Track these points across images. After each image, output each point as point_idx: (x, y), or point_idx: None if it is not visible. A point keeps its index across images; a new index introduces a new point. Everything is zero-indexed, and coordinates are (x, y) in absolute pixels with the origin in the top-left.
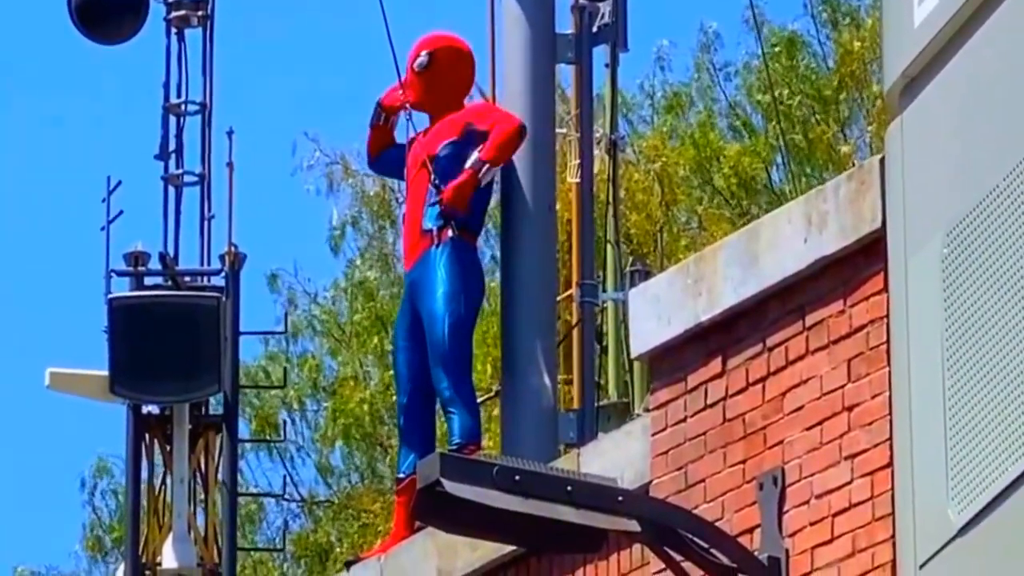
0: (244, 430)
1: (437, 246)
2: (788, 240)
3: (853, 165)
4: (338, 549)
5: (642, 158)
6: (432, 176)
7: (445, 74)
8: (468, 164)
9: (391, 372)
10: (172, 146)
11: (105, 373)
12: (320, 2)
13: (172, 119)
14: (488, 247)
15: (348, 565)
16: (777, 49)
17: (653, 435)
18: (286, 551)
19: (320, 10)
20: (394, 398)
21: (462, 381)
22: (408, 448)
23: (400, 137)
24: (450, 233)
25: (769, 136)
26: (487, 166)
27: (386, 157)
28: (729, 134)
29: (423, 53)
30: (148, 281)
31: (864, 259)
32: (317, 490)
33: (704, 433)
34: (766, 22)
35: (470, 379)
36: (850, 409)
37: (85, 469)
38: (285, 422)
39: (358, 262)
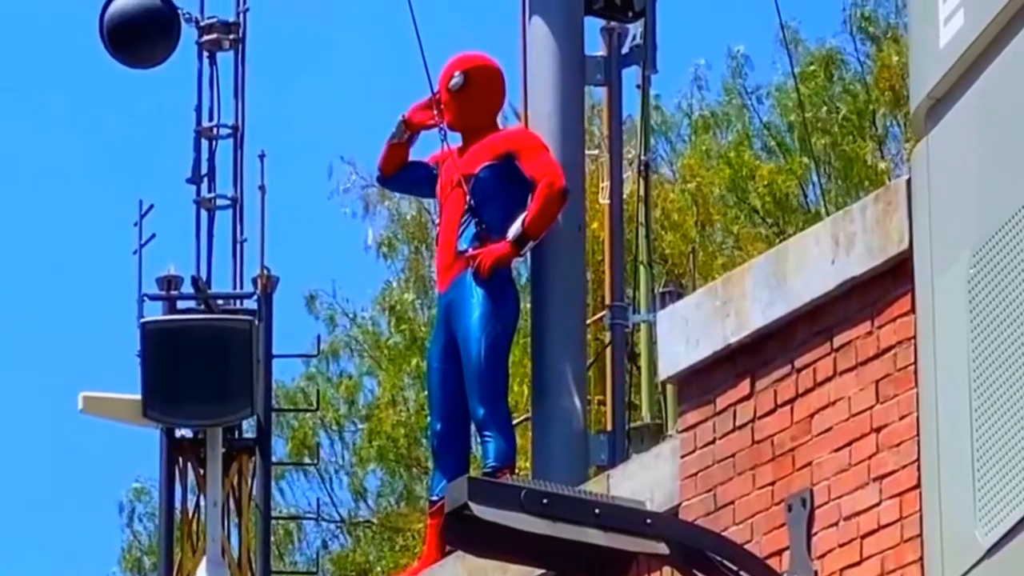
0: (281, 451)
1: (473, 268)
2: (815, 261)
3: (890, 180)
4: (377, 569)
5: (678, 177)
6: (468, 199)
7: (479, 94)
8: (511, 235)
9: (426, 394)
10: (204, 170)
11: (138, 397)
12: (352, 25)
13: (204, 143)
14: (521, 267)
15: None
16: (813, 68)
17: (682, 457)
18: (321, 572)
19: (352, 33)
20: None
21: (497, 404)
22: (441, 471)
23: (418, 153)
24: None
25: (803, 155)
26: (531, 242)
27: (403, 176)
28: (764, 155)
29: (457, 74)
30: (181, 305)
31: (891, 280)
32: (355, 511)
33: (733, 455)
34: (800, 41)
35: (505, 402)
36: (878, 430)
37: (123, 492)
38: (319, 444)
39: (394, 284)
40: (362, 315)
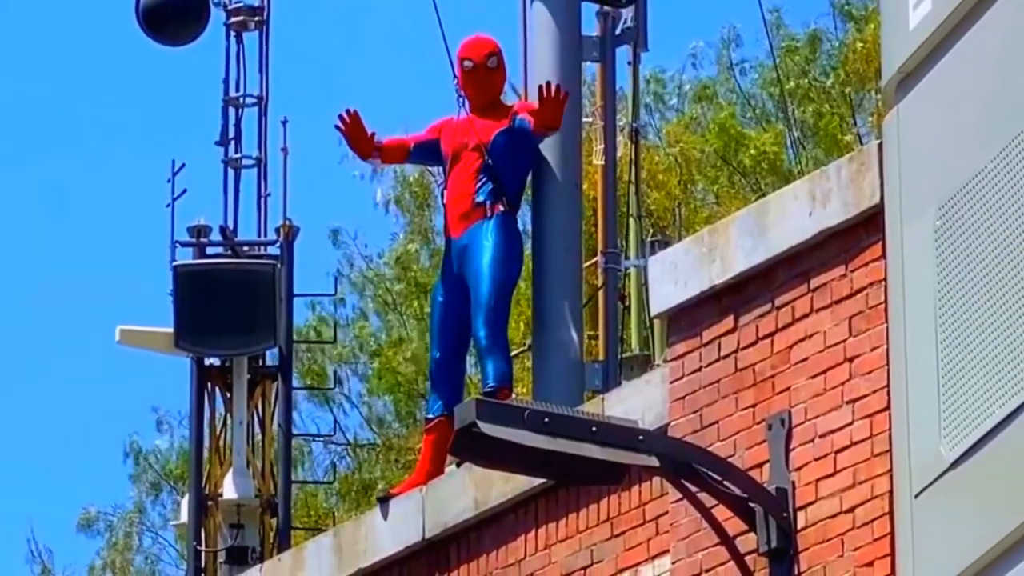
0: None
1: (489, 217)
2: (795, 214)
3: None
4: (380, 485)
5: (664, 143)
6: (487, 159)
7: (486, 73)
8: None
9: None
10: (231, 134)
11: (170, 330)
12: (365, 7)
13: (231, 111)
14: (521, 219)
15: (381, 501)
16: (799, 44)
17: (671, 383)
18: (335, 485)
19: (365, 14)
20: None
21: (499, 333)
22: (437, 394)
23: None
24: (500, 207)
25: (781, 123)
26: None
27: (414, 157)
28: (748, 123)
29: (467, 59)
30: (209, 252)
31: (864, 230)
32: (362, 435)
33: (718, 381)
34: (783, 25)
35: (506, 333)
36: (851, 360)
37: (146, 419)
38: (336, 371)
39: (401, 236)
40: (372, 263)
